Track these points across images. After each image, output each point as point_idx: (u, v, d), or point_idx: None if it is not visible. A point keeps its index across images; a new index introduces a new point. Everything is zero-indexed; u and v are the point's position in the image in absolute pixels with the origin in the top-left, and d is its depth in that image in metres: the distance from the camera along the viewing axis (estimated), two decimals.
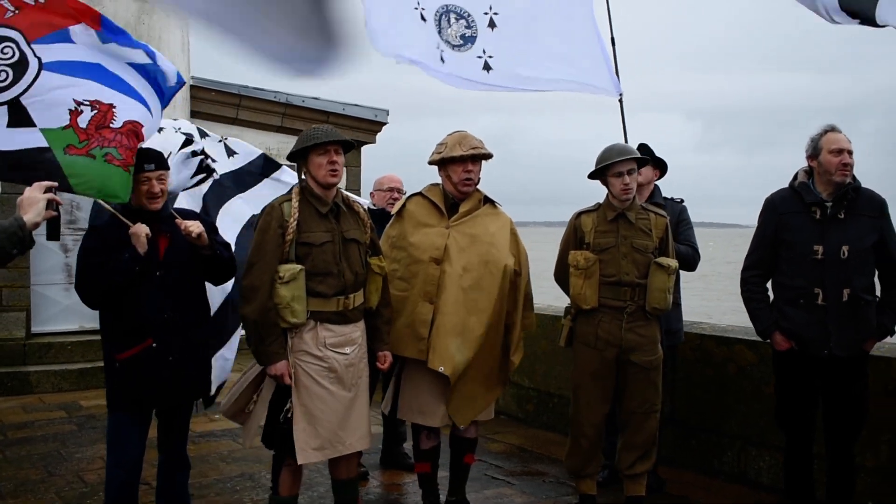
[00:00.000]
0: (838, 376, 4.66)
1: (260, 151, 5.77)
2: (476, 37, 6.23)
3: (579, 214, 5.09)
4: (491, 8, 6.21)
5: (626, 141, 5.65)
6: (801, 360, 4.70)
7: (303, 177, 4.40)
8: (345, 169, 4.60)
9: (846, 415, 4.71)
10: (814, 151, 4.71)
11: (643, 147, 5.62)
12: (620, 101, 5.95)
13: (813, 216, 4.67)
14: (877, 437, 5.18)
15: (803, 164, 4.84)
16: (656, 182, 5.74)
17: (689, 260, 5.55)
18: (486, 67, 6.25)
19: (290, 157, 4.43)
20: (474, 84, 6.39)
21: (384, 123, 12.64)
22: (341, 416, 4.29)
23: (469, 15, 6.22)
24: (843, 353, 4.58)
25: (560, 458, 5.46)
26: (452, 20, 6.27)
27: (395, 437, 6.21)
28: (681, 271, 5.51)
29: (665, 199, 5.70)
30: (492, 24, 6.22)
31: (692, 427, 6.22)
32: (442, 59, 6.35)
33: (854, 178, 4.66)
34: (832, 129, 4.69)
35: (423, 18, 6.34)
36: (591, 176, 5.04)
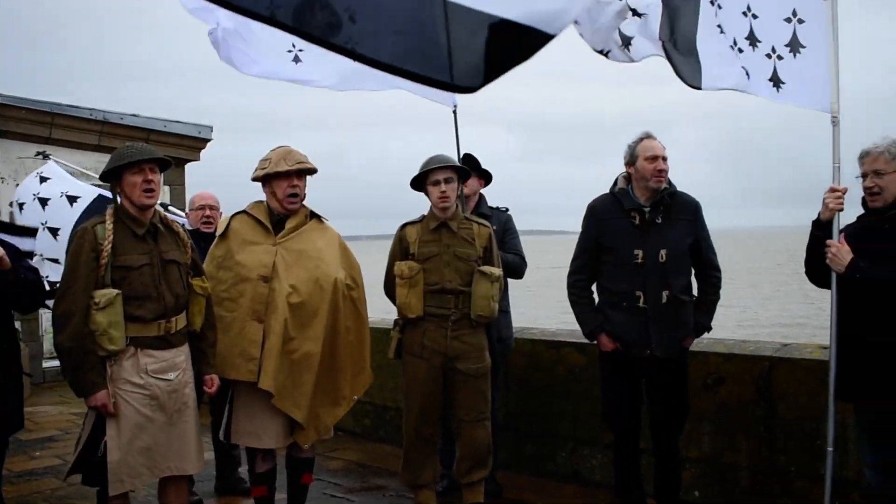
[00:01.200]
0: (661, 374, 4.85)
1: (97, 192, 5.77)
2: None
3: (404, 226, 5.14)
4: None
5: (458, 152, 5.71)
6: (626, 360, 4.87)
7: (118, 198, 4.22)
8: (169, 188, 4.45)
9: (670, 410, 4.91)
10: (631, 158, 4.88)
11: (468, 157, 5.70)
12: (454, 112, 5.98)
13: (632, 221, 4.83)
14: (698, 430, 5.44)
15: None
16: (481, 192, 5.83)
17: (516, 268, 5.66)
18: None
19: (103, 177, 4.24)
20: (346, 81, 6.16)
21: (208, 140, 12.32)
22: (163, 444, 4.14)
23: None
24: (664, 353, 4.76)
25: (399, 471, 5.45)
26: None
27: (229, 462, 6.03)
28: (509, 279, 5.61)
29: (491, 208, 5.79)
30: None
31: (526, 431, 6.35)
32: (297, 59, 6.12)
33: (670, 182, 4.87)
34: (647, 136, 4.88)
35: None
36: (412, 186, 5.09)
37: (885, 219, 4.12)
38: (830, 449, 4.34)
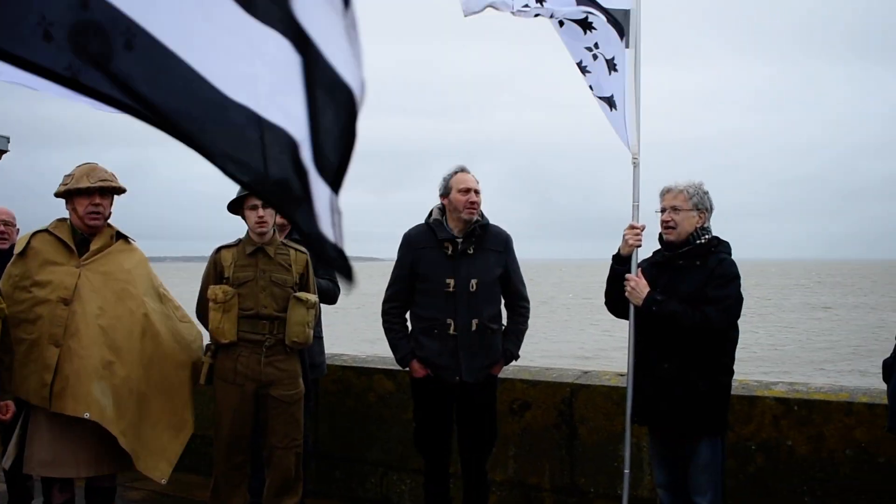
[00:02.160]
0: (470, 400, 4.97)
1: None
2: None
3: (219, 249, 5.05)
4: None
5: None
6: (437, 386, 4.96)
7: None
8: None
9: (479, 435, 5.04)
10: (445, 190, 5.01)
11: None
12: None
13: (445, 251, 4.96)
14: (504, 453, 5.61)
15: (435, 201, 5.14)
16: None
17: (331, 294, 5.66)
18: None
19: None
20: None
21: (4, 151, 11.59)
22: None
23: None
24: (473, 378, 4.89)
25: (204, 500, 5.30)
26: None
27: (21, 495, 5.67)
28: (323, 305, 5.61)
29: None
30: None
31: (336, 457, 6.33)
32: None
33: (482, 215, 5.03)
34: (462, 169, 5.02)
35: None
36: (230, 209, 5.03)
37: (679, 255, 4.43)
38: (627, 470, 4.61)
